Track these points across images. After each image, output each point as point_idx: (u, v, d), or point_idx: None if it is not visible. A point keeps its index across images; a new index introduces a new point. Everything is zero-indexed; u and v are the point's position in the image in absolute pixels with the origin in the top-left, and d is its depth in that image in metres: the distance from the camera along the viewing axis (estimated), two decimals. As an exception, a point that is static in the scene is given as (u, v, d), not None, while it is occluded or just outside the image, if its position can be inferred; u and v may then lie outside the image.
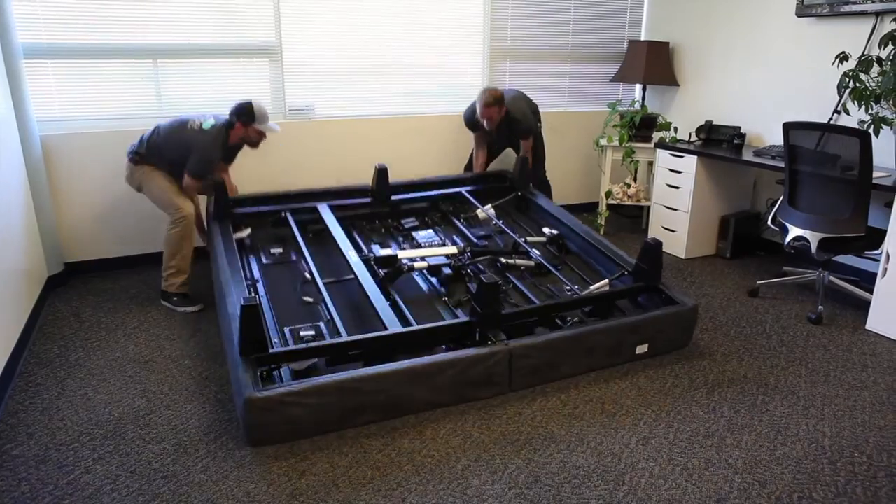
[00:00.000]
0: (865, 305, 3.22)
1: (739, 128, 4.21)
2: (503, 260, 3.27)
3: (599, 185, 4.94)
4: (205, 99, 3.89)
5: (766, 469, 2.11)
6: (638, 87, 5.02)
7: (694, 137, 4.36)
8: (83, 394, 2.53)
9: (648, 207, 4.59)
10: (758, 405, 2.49)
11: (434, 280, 3.18)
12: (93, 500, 1.94)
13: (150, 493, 1.97)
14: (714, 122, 4.34)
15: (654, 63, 4.68)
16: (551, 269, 3.23)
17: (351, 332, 2.64)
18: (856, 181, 2.98)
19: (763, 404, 2.50)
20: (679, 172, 4.18)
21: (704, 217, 4.21)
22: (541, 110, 4.36)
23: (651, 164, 4.71)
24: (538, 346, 2.52)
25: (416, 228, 3.73)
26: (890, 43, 3.22)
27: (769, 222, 3.47)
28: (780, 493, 2.00)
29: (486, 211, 3.73)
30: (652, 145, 4.54)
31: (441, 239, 3.58)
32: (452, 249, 3.23)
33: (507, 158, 4.49)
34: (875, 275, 3.12)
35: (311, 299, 2.93)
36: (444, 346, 2.57)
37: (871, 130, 3.13)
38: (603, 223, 4.78)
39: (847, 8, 3.60)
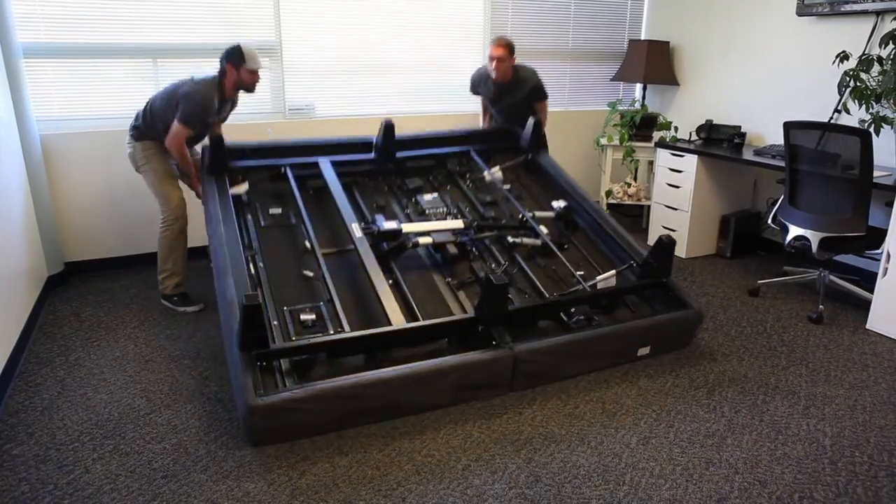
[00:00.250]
0: (866, 305, 3.22)
1: (740, 127, 4.21)
2: (510, 239, 3.14)
3: (600, 184, 4.94)
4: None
5: (767, 469, 2.11)
6: (638, 86, 5.02)
7: (694, 137, 4.35)
8: (83, 393, 2.53)
9: (649, 207, 4.59)
10: (758, 405, 2.49)
11: (438, 255, 3.06)
12: (93, 500, 1.93)
13: (150, 493, 1.97)
14: (714, 122, 4.34)
15: (654, 62, 4.68)
16: (558, 251, 3.08)
17: (351, 314, 2.60)
18: (856, 180, 2.98)
19: (764, 404, 2.49)
20: (679, 172, 4.18)
21: (705, 216, 4.21)
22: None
23: (651, 163, 4.71)
24: (543, 350, 2.50)
25: (420, 190, 3.51)
26: (890, 42, 3.21)
27: (770, 222, 3.47)
28: (781, 492, 2.00)
29: (492, 175, 3.54)
30: (652, 145, 4.54)
31: (446, 205, 3.39)
32: (458, 223, 3.10)
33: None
34: (876, 274, 3.12)
35: (310, 273, 2.83)
36: (445, 339, 2.56)
37: (871, 130, 3.12)
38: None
39: (847, 7, 3.60)
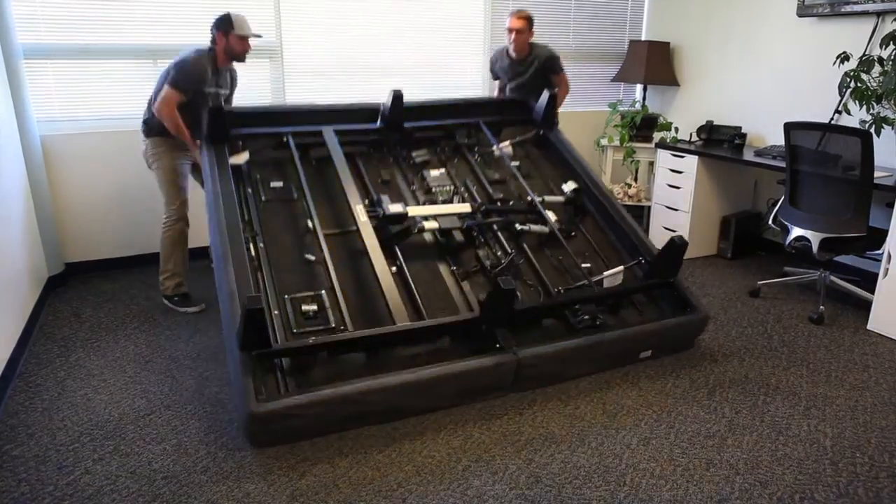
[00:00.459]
0: (867, 305, 3.22)
1: (740, 128, 4.20)
2: (518, 226, 3.04)
3: (600, 185, 4.93)
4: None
5: (768, 469, 2.10)
6: (639, 87, 5.01)
7: (695, 137, 4.35)
8: (83, 394, 2.53)
9: (649, 207, 4.59)
10: (759, 405, 2.48)
11: (444, 240, 2.97)
12: (93, 501, 1.93)
13: (150, 494, 1.96)
14: (715, 123, 4.34)
15: (654, 63, 4.68)
16: (565, 242, 3.01)
17: (353, 304, 2.56)
18: (857, 181, 2.98)
19: (764, 405, 2.49)
20: (680, 172, 4.17)
21: (705, 217, 4.21)
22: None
23: (652, 164, 4.71)
24: (547, 355, 2.49)
25: (427, 164, 3.36)
26: (891, 43, 3.21)
27: (770, 222, 3.47)
28: (782, 493, 1.99)
29: (501, 150, 3.43)
30: (653, 145, 4.54)
31: (453, 183, 3.25)
32: (466, 207, 3.00)
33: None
34: (876, 275, 3.12)
35: (312, 257, 2.74)
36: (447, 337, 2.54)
37: (872, 130, 3.12)
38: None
39: (848, 8, 3.60)
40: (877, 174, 3.04)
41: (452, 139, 3.53)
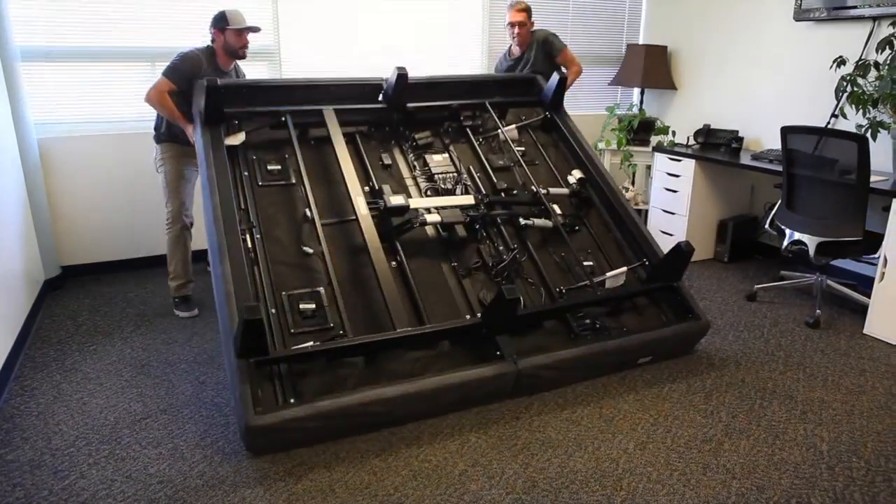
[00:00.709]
0: (863, 309, 3.22)
1: (737, 132, 4.21)
2: (522, 221, 2.99)
3: (597, 188, 4.94)
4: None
5: (764, 474, 2.10)
6: (636, 90, 5.02)
7: (692, 141, 4.36)
8: (79, 398, 2.52)
9: (646, 211, 4.59)
10: (756, 410, 2.48)
11: (446, 233, 2.90)
12: (88, 506, 1.93)
13: (146, 499, 1.96)
14: (712, 126, 4.35)
15: (652, 67, 4.69)
16: (568, 238, 2.97)
17: (353, 304, 2.52)
18: (853, 185, 2.98)
19: (761, 409, 2.49)
20: (677, 176, 4.18)
21: (702, 221, 4.21)
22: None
23: (649, 167, 4.71)
24: (547, 365, 2.49)
25: (429, 146, 3.25)
26: (887, 47, 3.23)
27: (767, 226, 3.47)
28: (779, 498, 1.99)
29: (506, 133, 3.33)
30: (650, 149, 4.54)
31: (456, 169, 3.15)
32: (469, 199, 2.94)
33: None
34: (873, 279, 3.12)
35: (310, 250, 2.67)
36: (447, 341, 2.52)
37: (868, 135, 3.13)
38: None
39: (845, 12, 3.61)
40: (873, 178, 3.05)
41: (457, 120, 3.40)
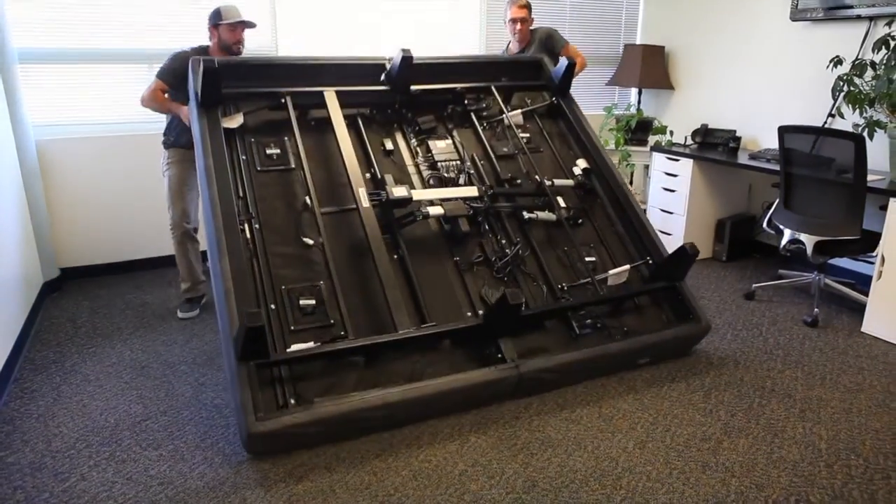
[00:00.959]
0: (861, 308, 3.23)
1: (735, 131, 4.22)
2: (526, 215, 2.95)
3: (596, 188, 4.95)
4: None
5: (763, 472, 2.11)
6: (634, 90, 5.03)
7: (689, 141, 4.37)
8: (79, 400, 2.52)
9: (644, 211, 4.60)
10: (754, 408, 2.49)
11: (448, 226, 2.85)
12: (89, 508, 1.93)
13: (146, 500, 1.96)
14: (709, 126, 4.36)
15: (649, 67, 4.70)
16: (571, 233, 2.94)
17: (353, 300, 2.49)
18: (850, 184, 3.00)
19: (760, 407, 2.50)
20: (675, 176, 4.19)
21: (700, 220, 4.22)
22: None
23: (647, 167, 4.73)
24: (549, 368, 2.49)
25: (432, 131, 3.17)
26: (883, 47, 3.24)
27: (765, 225, 3.48)
28: (777, 496, 2.00)
29: (510, 119, 3.26)
30: (648, 149, 4.55)
31: (460, 156, 3.09)
32: (472, 191, 2.89)
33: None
34: (870, 277, 3.14)
35: (310, 241, 2.62)
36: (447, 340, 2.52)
37: (865, 134, 3.14)
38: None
39: (841, 12, 3.62)
40: (870, 177, 3.06)
41: (461, 104, 3.31)
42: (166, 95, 3.12)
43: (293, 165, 2.82)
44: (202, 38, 3.24)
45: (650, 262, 2.96)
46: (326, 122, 2.91)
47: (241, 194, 2.67)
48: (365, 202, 2.65)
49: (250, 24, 3.17)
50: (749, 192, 4.38)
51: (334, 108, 2.92)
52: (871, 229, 3.16)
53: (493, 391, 2.43)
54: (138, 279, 3.81)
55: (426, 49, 3.14)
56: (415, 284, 2.62)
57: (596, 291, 2.80)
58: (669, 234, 4.24)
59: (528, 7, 3.76)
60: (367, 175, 2.85)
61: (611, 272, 2.87)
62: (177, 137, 3.20)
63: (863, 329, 3.18)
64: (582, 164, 3.23)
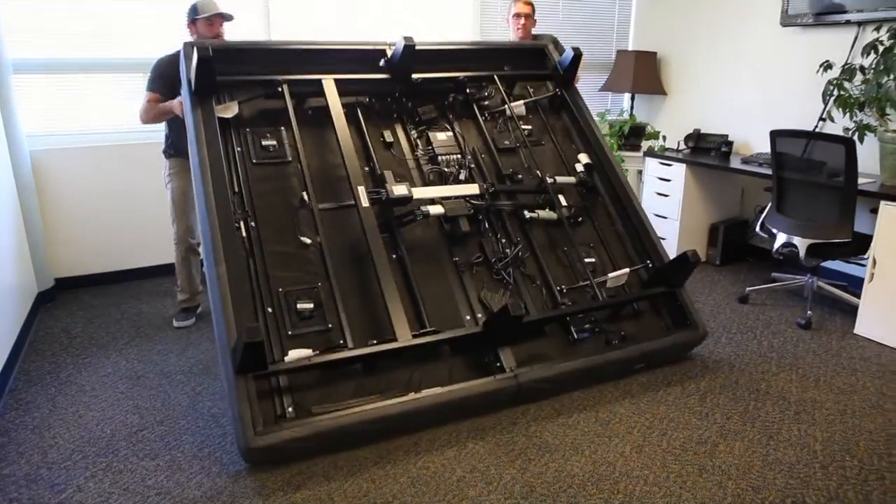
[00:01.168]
0: (854, 310, 3.26)
1: (727, 136, 4.25)
2: (527, 214, 2.91)
3: (590, 193, 4.97)
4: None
5: (759, 474, 2.12)
6: (626, 96, 5.06)
7: (682, 146, 4.40)
8: (75, 411, 2.51)
9: (638, 215, 4.62)
10: (750, 411, 2.51)
11: (448, 225, 2.81)
12: (86, 519, 1.92)
13: (143, 511, 1.96)
14: (702, 131, 4.39)
15: (642, 73, 4.73)
16: (571, 232, 2.92)
17: (352, 305, 2.47)
18: (842, 187, 3.02)
19: (755, 410, 2.51)
20: (668, 181, 4.22)
21: (694, 225, 4.24)
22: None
23: (640, 172, 4.75)
24: (547, 378, 2.49)
25: (433, 122, 3.09)
26: (872, 52, 3.28)
27: (758, 229, 3.51)
28: (774, 498, 2.01)
29: (513, 110, 3.20)
30: (641, 154, 4.58)
31: (461, 150, 3.02)
32: (473, 188, 2.85)
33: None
34: (862, 279, 3.16)
35: (308, 240, 2.57)
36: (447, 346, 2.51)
37: (855, 137, 3.17)
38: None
39: (830, 18, 3.67)
40: (861, 180, 3.09)
41: (463, 92, 3.21)
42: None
43: (289, 158, 2.74)
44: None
45: (650, 265, 2.95)
46: (324, 112, 2.81)
47: (236, 189, 2.59)
48: (364, 201, 2.59)
49: (228, 17, 3.09)
50: (742, 197, 4.41)
51: (333, 97, 2.82)
52: (863, 232, 3.19)
53: (491, 401, 2.44)
54: (133, 289, 3.80)
55: (420, 34, 3.09)
56: (414, 288, 2.59)
57: (595, 295, 2.80)
58: (664, 239, 4.24)
59: (531, 4, 3.77)
60: (366, 168, 2.80)
61: (610, 275, 2.85)
62: (174, 143, 3.16)
63: (855, 331, 3.20)
64: (584, 158, 3.18)
